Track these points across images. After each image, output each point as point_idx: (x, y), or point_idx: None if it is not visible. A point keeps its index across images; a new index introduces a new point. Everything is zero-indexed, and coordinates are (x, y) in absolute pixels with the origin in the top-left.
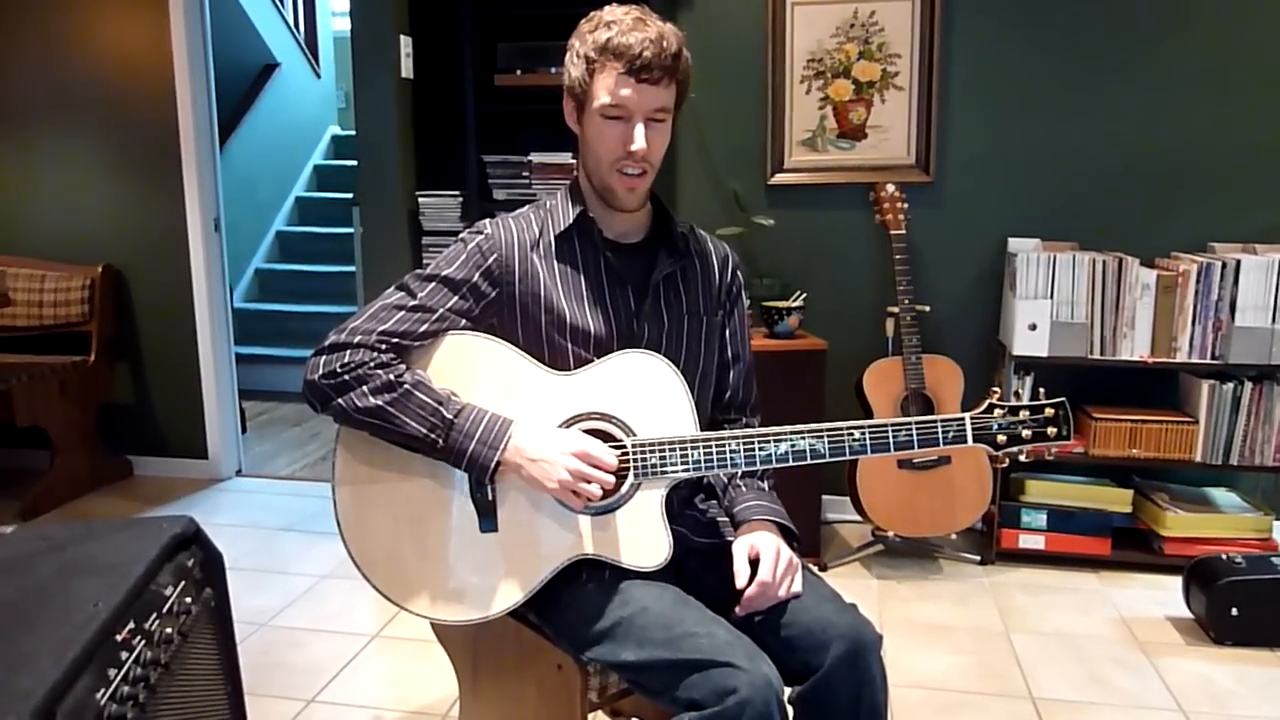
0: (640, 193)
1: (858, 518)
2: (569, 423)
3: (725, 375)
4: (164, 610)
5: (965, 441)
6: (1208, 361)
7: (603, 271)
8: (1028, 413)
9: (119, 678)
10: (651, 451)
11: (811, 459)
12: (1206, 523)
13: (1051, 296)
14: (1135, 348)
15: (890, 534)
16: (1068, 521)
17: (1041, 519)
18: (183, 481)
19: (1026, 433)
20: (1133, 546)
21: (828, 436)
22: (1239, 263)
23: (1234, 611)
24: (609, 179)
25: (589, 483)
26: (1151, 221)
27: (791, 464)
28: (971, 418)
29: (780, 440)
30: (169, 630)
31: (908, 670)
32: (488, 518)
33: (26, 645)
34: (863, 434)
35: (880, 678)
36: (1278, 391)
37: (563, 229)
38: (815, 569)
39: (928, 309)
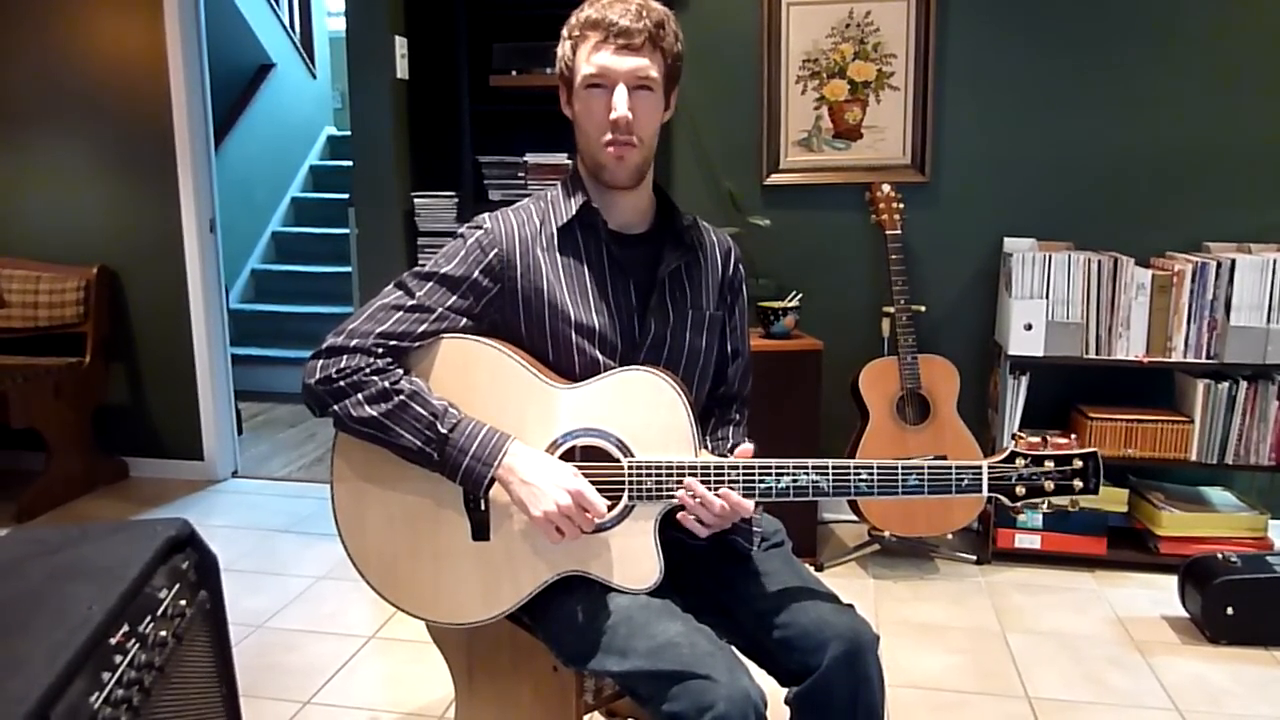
0: (630, 164)
1: (854, 517)
2: (565, 438)
3: (724, 370)
4: (158, 613)
5: (979, 490)
6: (1203, 361)
7: (606, 265)
8: (1053, 464)
9: (113, 681)
10: (648, 474)
11: (813, 495)
12: (1202, 522)
13: (1047, 296)
14: (1130, 347)
15: (886, 534)
16: (1063, 521)
17: (1037, 519)
18: (178, 483)
19: (1049, 484)
20: (1128, 546)
21: (833, 474)
22: (1234, 262)
23: (1229, 610)
24: (599, 154)
25: (572, 523)
26: (1146, 221)
27: (792, 498)
28: (989, 465)
29: (783, 474)
30: (163, 633)
31: (904, 670)
32: (480, 529)
33: (19, 649)
34: (870, 474)
35: (877, 678)
36: (1273, 391)
37: (565, 221)
38: (812, 569)
39: (923, 309)
